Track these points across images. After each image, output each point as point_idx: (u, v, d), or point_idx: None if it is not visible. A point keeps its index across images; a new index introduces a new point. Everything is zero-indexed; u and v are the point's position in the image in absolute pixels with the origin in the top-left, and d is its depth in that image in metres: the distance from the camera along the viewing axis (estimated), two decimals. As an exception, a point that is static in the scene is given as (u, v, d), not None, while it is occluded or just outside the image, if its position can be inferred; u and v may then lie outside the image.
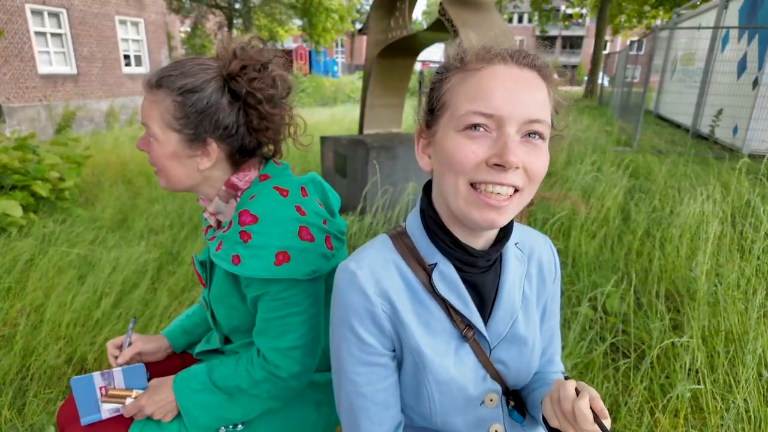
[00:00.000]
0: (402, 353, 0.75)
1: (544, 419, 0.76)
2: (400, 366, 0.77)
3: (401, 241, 0.77)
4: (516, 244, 0.82)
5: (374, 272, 0.72)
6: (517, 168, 0.64)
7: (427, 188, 0.79)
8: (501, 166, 0.64)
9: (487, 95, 0.64)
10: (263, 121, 0.93)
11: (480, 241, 0.75)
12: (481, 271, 0.76)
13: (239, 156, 0.97)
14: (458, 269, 0.75)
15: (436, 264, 0.74)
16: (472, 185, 0.66)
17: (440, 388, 0.74)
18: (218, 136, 0.92)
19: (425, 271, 0.74)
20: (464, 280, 0.75)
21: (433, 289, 0.74)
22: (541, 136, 0.67)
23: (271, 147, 1.02)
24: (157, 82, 0.90)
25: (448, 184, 0.68)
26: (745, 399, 1.71)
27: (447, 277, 0.74)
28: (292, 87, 0.98)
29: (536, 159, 0.66)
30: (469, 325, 0.75)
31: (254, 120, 0.93)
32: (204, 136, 0.91)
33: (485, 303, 0.77)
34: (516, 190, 0.67)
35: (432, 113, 0.71)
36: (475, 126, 0.64)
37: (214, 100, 0.89)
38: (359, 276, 0.71)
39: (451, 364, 0.74)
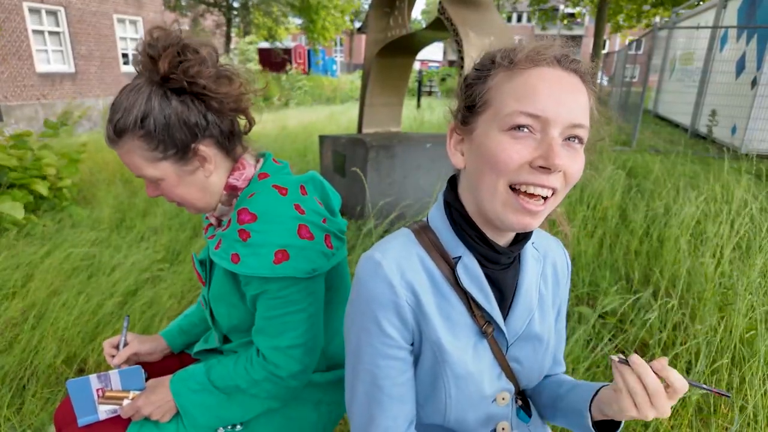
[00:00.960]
0: (421, 347, 0.75)
1: (595, 424, 0.75)
2: (416, 361, 0.77)
3: (424, 235, 0.76)
4: (533, 243, 0.83)
5: (399, 263, 0.72)
6: (559, 171, 0.65)
7: (451, 181, 0.79)
8: (545, 169, 0.64)
9: (534, 96, 0.64)
10: (219, 99, 0.90)
11: (504, 239, 0.75)
12: (502, 268, 0.77)
13: (228, 143, 0.95)
14: (480, 264, 0.75)
15: (459, 257, 0.74)
16: (511, 187, 0.66)
17: (458, 383, 0.74)
18: (199, 137, 0.90)
19: (448, 264, 0.74)
20: (486, 276, 0.75)
21: (456, 283, 0.74)
22: (581, 141, 0.67)
23: (244, 117, 0.98)
24: (115, 134, 0.88)
25: (486, 184, 0.67)
26: (748, 400, 1.71)
27: (471, 270, 0.74)
28: (217, 49, 0.93)
29: (575, 163, 0.67)
30: (489, 321, 0.76)
31: (212, 102, 0.90)
32: (187, 146, 0.90)
33: (505, 300, 0.78)
34: (552, 193, 0.67)
35: (471, 110, 0.71)
36: (520, 126, 0.64)
37: (167, 109, 0.87)
38: (384, 266, 0.71)
39: (469, 359, 0.74)
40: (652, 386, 0.62)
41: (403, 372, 0.74)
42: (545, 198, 0.66)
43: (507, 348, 0.78)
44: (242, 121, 0.99)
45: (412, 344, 0.75)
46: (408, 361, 0.75)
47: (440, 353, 0.73)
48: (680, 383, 0.63)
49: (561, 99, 0.64)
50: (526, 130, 0.64)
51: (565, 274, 0.88)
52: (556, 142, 0.64)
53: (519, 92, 0.64)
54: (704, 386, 0.65)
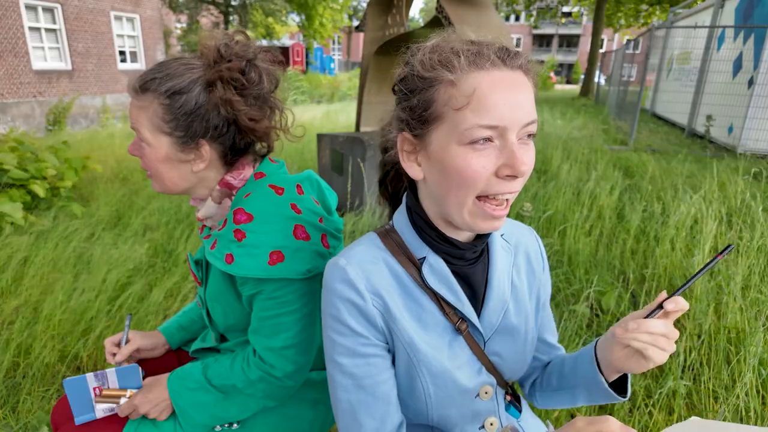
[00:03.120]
0: (395, 349, 0.75)
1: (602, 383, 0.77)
2: (393, 363, 0.76)
3: (390, 237, 0.77)
4: (502, 235, 0.83)
5: (364, 268, 0.72)
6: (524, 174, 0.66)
7: (412, 184, 0.79)
8: (512, 176, 0.65)
9: (491, 106, 0.62)
10: (252, 121, 0.92)
11: (464, 235, 0.76)
12: (470, 263, 0.77)
13: (231, 155, 0.96)
14: (447, 262, 0.75)
15: (425, 258, 0.74)
16: (478, 197, 0.67)
17: (435, 381, 0.74)
18: (209, 136, 0.91)
19: (415, 265, 0.75)
20: (455, 273, 0.75)
21: (424, 283, 0.74)
22: (533, 135, 0.68)
23: (264, 144, 1.01)
24: (142, 87, 0.88)
25: (453, 199, 0.68)
26: (739, 396, 1.72)
27: (437, 270, 0.74)
28: (279, 80, 0.96)
29: (530, 157, 0.67)
30: (462, 318, 0.76)
31: (243, 118, 0.91)
32: (196, 138, 0.90)
33: (476, 295, 0.78)
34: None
35: (421, 122, 0.68)
36: (480, 139, 0.64)
37: (203, 100, 0.88)
38: (349, 272, 0.71)
39: (444, 357, 0.74)
40: (662, 330, 0.65)
41: (384, 370, 0.74)
42: (508, 199, 0.68)
43: (484, 343, 0.78)
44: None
45: (387, 343, 0.75)
46: (387, 359, 0.75)
47: (414, 354, 0.73)
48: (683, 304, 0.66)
49: (515, 103, 0.63)
50: (486, 141, 0.64)
51: (539, 261, 0.88)
52: (516, 147, 0.64)
53: (473, 104, 0.63)
54: (702, 270, 0.69)
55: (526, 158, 0.65)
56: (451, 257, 0.75)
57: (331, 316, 0.73)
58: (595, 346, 0.79)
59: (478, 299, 0.78)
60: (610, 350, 0.73)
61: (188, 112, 0.88)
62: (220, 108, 0.89)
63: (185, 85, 0.87)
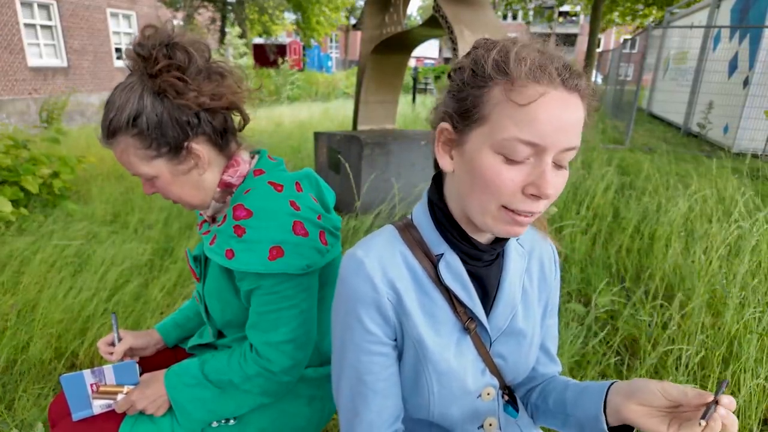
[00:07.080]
0: (403, 344, 0.75)
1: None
2: (400, 357, 0.77)
3: (408, 232, 0.77)
4: (517, 240, 0.83)
5: (381, 261, 0.72)
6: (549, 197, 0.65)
7: (437, 179, 0.79)
8: (536, 196, 0.64)
9: (536, 124, 0.61)
10: (210, 98, 0.90)
11: (486, 236, 0.76)
12: (485, 265, 0.77)
13: (221, 140, 0.95)
14: (463, 262, 0.75)
15: (442, 255, 0.75)
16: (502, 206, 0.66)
17: (440, 380, 0.74)
18: (191, 134, 0.90)
19: (431, 262, 0.75)
20: (469, 273, 0.76)
21: (439, 280, 0.74)
22: (570, 160, 0.67)
23: (236, 113, 0.98)
24: (109, 133, 0.89)
25: (477, 201, 0.67)
26: (744, 396, 1.73)
27: (453, 268, 0.74)
28: (208, 46, 0.93)
29: (561, 182, 0.66)
30: (472, 318, 0.76)
31: (205, 99, 0.89)
32: (180, 144, 0.90)
33: (488, 296, 0.78)
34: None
35: (464, 119, 0.67)
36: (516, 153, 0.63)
37: (159, 108, 0.87)
38: (366, 264, 0.71)
39: (451, 355, 0.75)
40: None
41: (387, 367, 0.75)
42: (534, 214, 0.67)
43: (490, 344, 0.79)
44: (236, 118, 0.99)
45: (395, 340, 0.75)
46: (392, 356, 0.75)
47: (422, 350, 0.73)
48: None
49: (561, 126, 0.62)
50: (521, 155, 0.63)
51: (552, 269, 0.88)
52: (548, 169, 0.63)
53: (518, 116, 0.61)
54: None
55: (557, 182, 0.65)
56: (469, 257, 0.75)
57: (344, 309, 0.73)
58: (609, 388, 0.74)
59: (489, 301, 0.78)
60: (626, 400, 0.68)
61: (155, 125, 0.87)
62: (192, 104, 0.88)
63: (135, 105, 0.86)
